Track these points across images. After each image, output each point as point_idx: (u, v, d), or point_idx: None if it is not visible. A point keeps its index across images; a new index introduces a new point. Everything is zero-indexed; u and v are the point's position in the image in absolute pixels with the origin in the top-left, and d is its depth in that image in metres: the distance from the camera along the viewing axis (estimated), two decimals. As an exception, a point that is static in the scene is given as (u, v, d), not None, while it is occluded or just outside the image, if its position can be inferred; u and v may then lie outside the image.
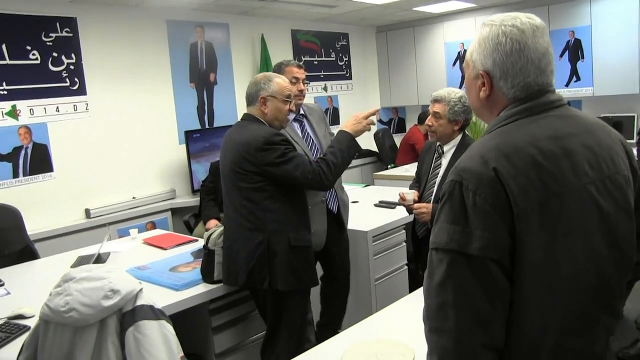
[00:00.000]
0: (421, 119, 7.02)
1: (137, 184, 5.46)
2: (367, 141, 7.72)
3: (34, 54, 4.77)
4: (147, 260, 3.26)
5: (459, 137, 2.98)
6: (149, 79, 5.57)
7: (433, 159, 3.09)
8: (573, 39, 6.59)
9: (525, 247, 1.10)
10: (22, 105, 4.72)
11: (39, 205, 4.76)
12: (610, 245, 1.21)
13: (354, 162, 7.33)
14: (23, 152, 4.74)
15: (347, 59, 7.91)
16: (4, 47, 4.60)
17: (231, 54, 6.34)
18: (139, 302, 1.76)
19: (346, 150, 2.73)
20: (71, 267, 3.16)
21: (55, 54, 4.89)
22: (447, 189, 1.18)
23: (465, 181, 1.14)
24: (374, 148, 7.60)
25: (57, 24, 4.90)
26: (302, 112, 3.29)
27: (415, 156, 6.72)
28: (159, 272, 3.00)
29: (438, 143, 3.05)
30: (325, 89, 7.60)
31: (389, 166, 7.12)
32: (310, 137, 3.27)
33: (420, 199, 3.03)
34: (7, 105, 4.65)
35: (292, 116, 3.20)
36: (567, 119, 1.27)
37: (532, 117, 1.24)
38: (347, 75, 7.95)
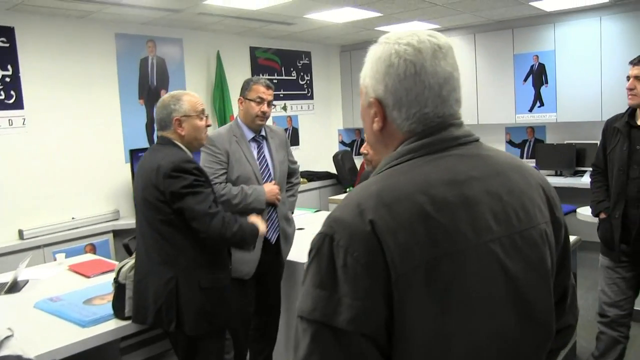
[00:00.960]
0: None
1: (77, 203, 5.17)
2: (325, 162, 7.55)
3: (-34, 65, 4.51)
4: (67, 289, 3.00)
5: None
6: (94, 94, 5.31)
7: None
8: (537, 64, 6.50)
9: (407, 320, 0.89)
10: (-50, 118, 4.44)
11: (-34, 225, 4.46)
12: (520, 316, 1.00)
13: (310, 185, 7.15)
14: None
15: (308, 78, 7.76)
16: None
17: (184, 70, 6.13)
18: (4, 352, 1.54)
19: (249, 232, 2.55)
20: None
21: (-11, 65, 4.62)
22: (316, 243, 0.96)
23: (336, 235, 0.92)
24: (333, 170, 7.42)
25: (-7, 34, 4.64)
26: (263, 133, 3.17)
27: (374, 179, 6.57)
28: (71, 304, 2.73)
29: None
30: (284, 108, 7.41)
31: (347, 189, 6.95)
32: (266, 160, 3.16)
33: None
34: None
35: (250, 135, 3.10)
36: (472, 159, 1.07)
37: (429, 157, 1.04)
38: (309, 94, 7.79)
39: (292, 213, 3.38)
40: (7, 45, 4.71)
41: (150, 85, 5.81)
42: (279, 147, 3.23)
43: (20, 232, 4.72)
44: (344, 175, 7.18)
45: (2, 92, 4.67)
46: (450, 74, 1.08)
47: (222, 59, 6.31)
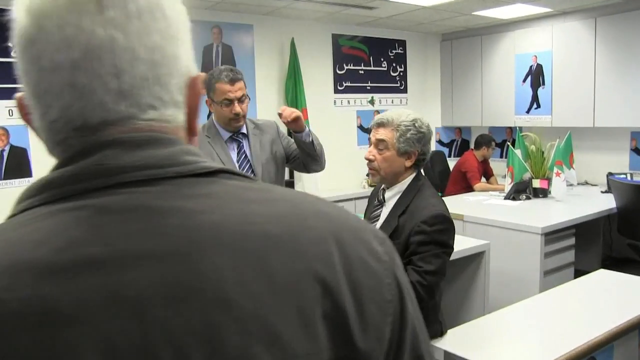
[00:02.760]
0: (478, 144, 6.01)
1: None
2: (414, 163, 6.79)
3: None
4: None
5: (410, 178, 2.12)
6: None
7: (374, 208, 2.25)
8: (535, 64, 6.14)
9: None
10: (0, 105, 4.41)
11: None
12: None
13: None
14: (-2, 154, 4.43)
15: (402, 69, 7.04)
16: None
17: (254, 59, 5.73)
18: None
19: None
20: None
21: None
22: None
23: None
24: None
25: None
26: (243, 130, 2.67)
27: (466, 186, 5.75)
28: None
29: (382, 186, 2.21)
30: (372, 102, 6.78)
31: (433, 194, 6.16)
32: (248, 160, 2.65)
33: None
34: (-17, 105, 4.36)
35: (227, 135, 2.63)
36: (124, 219, 0.53)
37: (50, 206, 0.55)
38: (402, 88, 7.08)
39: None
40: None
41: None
42: (266, 144, 2.70)
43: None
44: (431, 179, 6.38)
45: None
46: (108, 40, 0.56)
47: (297, 47, 5.82)
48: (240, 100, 2.54)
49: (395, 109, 2.17)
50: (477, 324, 2.30)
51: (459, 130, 7.49)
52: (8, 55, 4.39)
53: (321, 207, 0.62)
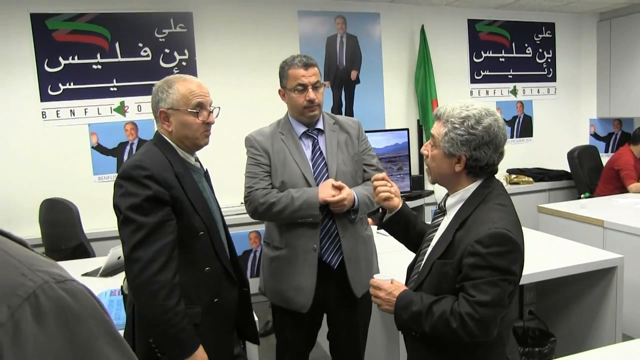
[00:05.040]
0: (637, 137, 5.20)
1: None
2: (558, 160, 6.09)
3: (145, 51, 4.65)
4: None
5: (476, 184, 1.70)
6: (272, 76, 5.04)
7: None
8: None
9: None
10: (130, 101, 4.65)
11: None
12: None
13: (536, 186, 5.85)
14: (128, 147, 4.68)
15: (550, 55, 6.32)
16: (117, 45, 4.56)
17: (381, 48, 5.47)
18: None
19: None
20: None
21: (167, 51, 4.70)
22: None
23: None
24: (567, 168, 5.92)
25: (172, 20, 4.70)
26: (319, 126, 2.44)
27: (620, 186, 5.01)
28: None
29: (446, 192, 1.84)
30: (514, 92, 6.17)
31: (582, 196, 5.45)
32: (324, 159, 2.41)
33: (412, 268, 1.90)
34: (116, 102, 4.63)
35: (301, 130, 2.42)
36: None
37: None
38: (550, 76, 6.36)
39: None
40: (185, 30, 4.74)
41: (339, 66, 5.32)
42: (345, 143, 2.44)
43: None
44: (579, 176, 5.65)
45: (176, 76, 4.73)
46: None
47: (427, 35, 5.45)
48: (315, 87, 2.33)
49: (464, 101, 1.69)
50: (606, 354, 1.86)
51: (619, 122, 6.56)
52: (138, 56, 4.62)
53: None
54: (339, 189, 2.27)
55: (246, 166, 2.43)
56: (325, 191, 2.25)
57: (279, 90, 2.43)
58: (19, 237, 0.67)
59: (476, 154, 1.62)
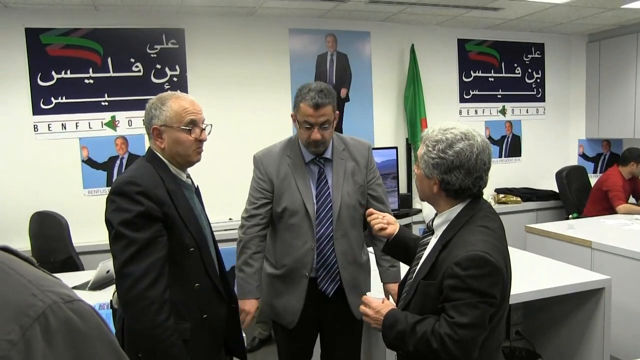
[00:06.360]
0: (626, 158, 5.25)
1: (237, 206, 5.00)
2: (546, 180, 6.14)
3: (137, 66, 4.67)
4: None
5: (459, 207, 1.70)
6: (263, 93, 5.10)
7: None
8: None
9: None
10: (121, 116, 4.66)
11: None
12: None
13: (524, 206, 5.90)
14: (118, 162, 4.69)
15: (539, 75, 6.40)
16: (109, 60, 4.58)
17: (371, 67, 5.52)
18: None
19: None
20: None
21: (158, 66, 4.72)
22: None
23: None
24: (555, 188, 5.96)
25: (164, 36, 4.73)
26: (327, 155, 2.40)
27: (608, 207, 5.04)
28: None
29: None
30: (503, 111, 6.24)
31: (570, 216, 5.49)
32: (328, 188, 2.39)
33: (402, 284, 1.92)
34: (107, 116, 4.65)
35: (308, 157, 2.39)
36: None
37: None
38: (539, 96, 6.44)
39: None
40: (177, 46, 4.77)
41: (329, 84, 5.35)
42: (352, 172, 2.42)
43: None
44: (567, 197, 5.69)
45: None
46: None
47: (417, 54, 5.51)
48: (323, 126, 2.27)
49: (447, 123, 1.70)
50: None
51: (608, 142, 6.64)
52: (130, 71, 4.63)
53: None
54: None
55: (251, 182, 2.46)
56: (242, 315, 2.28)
57: (292, 115, 2.40)
58: (26, 255, 0.69)
59: (447, 177, 1.64)
